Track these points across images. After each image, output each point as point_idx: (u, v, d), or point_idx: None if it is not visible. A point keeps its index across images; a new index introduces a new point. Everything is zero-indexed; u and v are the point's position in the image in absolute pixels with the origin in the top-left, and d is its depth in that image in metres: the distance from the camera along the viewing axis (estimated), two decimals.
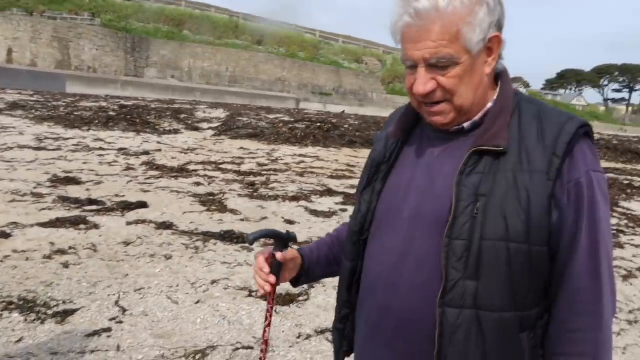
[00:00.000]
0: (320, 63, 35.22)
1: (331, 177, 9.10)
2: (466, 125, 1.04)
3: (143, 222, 5.27)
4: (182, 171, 8.32)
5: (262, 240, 1.26)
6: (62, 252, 4.24)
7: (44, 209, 5.41)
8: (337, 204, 6.96)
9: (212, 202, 6.36)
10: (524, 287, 0.95)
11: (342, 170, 9.87)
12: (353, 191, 7.11)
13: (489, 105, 1.04)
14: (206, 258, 4.42)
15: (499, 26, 1.00)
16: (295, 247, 1.33)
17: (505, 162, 0.96)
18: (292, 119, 16.24)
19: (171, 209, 5.92)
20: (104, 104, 16.36)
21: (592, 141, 1.02)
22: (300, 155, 11.30)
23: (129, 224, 5.17)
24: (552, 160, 0.94)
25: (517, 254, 0.93)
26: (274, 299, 1.24)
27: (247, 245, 4.83)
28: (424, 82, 0.98)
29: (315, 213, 6.32)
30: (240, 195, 6.92)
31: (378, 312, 1.07)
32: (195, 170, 8.50)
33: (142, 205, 5.91)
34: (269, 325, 1.28)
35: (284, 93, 30.63)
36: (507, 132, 0.98)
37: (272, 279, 1.18)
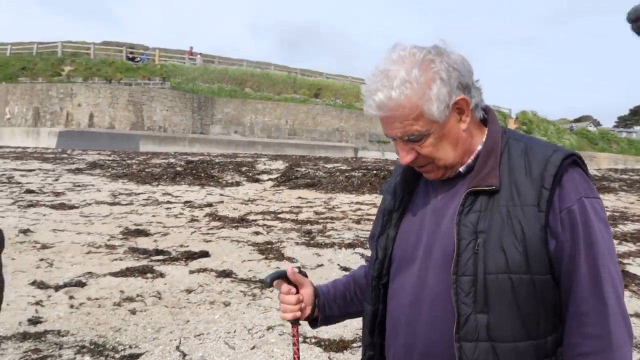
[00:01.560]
0: None
1: None
2: (462, 169, 1.12)
3: (204, 270, 5.51)
4: (242, 221, 8.64)
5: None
6: (130, 299, 4.52)
7: (115, 260, 5.80)
8: None
9: (270, 251, 6.54)
10: (533, 316, 1.00)
11: None
12: None
13: (479, 147, 1.11)
14: (263, 305, 4.54)
15: (463, 87, 1.06)
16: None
17: (499, 198, 1.03)
18: (349, 168, 16.46)
19: (231, 257, 6.15)
20: (172, 160, 17.41)
21: (583, 169, 1.06)
22: (357, 203, 11.39)
23: (191, 272, 5.43)
24: (541, 193, 1.00)
25: (520, 284, 0.98)
26: (297, 332, 1.32)
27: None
28: (405, 154, 1.10)
29: None
30: (297, 244, 7.07)
31: (403, 350, 1.13)
32: (255, 220, 8.79)
33: (204, 254, 6.18)
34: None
35: (342, 142, 31.20)
36: (498, 171, 1.05)
37: (295, 297, 1.28)
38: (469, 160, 1.12)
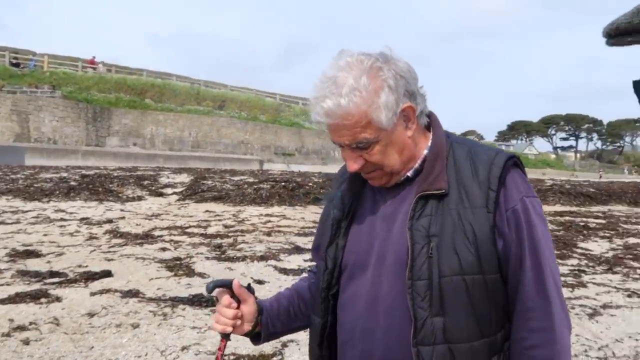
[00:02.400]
0: (281, 125, 35.98)
1: (298, 234, 9.12)
2: (409, 174, 1.13)
3: (108, 291, 5.12)
4: (147, 237, 8.18)
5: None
6: (22, 328, 4.05)
7: (1, 285, 5.19)
8: (305, 260, 6.95)
9: (179, 267, 6.25)
10: (486, 315, 1.03)
11: (309, 227, 9.91)
12: None
13: (425, 152, 1.14)
14: (175, 324, 4.31)
15: (410, 94, 1.07)
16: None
17: (449, 201, 1.06)
18: (256, 180, 16.33)
19: (137, 276, 5.78)
20: (65, 175, 16.08)
21: (522, 169, 1.12)
22: (267, 215, 11.31)
23: (92, 294, 5.01)
24: (488, 194, 1.04)
25: (474, 285, 1.02)
26: (225, 346, 1.23)
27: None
28: (352, 161, 1.09)
29: (284, 271, 6.29)
30: (207, 258, 6.83)
31: (360, 359, 1.10)
32: (161, 236, 8.37)
33: (107, 274, 5.74)
34: None
35: (247, 155, 30.92)
36: (445, 175, 1.08)
37: (234, 308, 1.20)
38: (416, 165, 1.13)
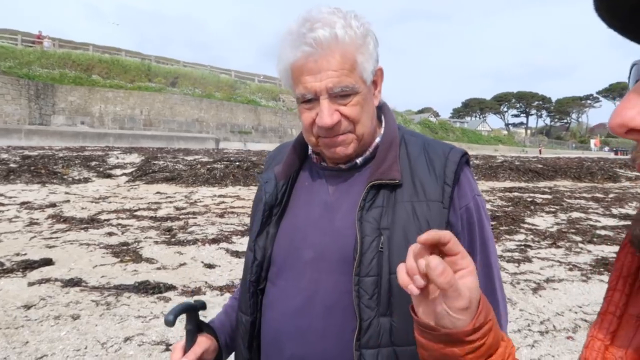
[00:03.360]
0: (237, 102, 35.32)
1: None
2: (359, 160, 1.04)
3: (47, 281, 4.86)
4: (92, 222, 7.85)
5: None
6: None
7: None
8: None
9: (126, 252, 6.03)
10: None
11: None
12: None
13: (378, 139, 1.06)
14: (119, 314, 4.14)
15: (378, 60, 1.02)
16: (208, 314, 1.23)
17: (402, 193, 0.98)
18: (210, 160, 15.99)
19: (80, 263, 5.53)
20: (5, 156, 15.20)
21: (470, 167, 1.07)
22: (220, 196, 11.10)
23: (30, 284, 4.75)
24: (444, 189, 0.97)
25: None
26: None
27: (163, 295, 4.60)
28: (330, 114, 0.95)
29: (236, 254, 6.18)
30: (156, 242, 6.63)
31: None
32: (108, 220, 8.05)
33: (47, 262, 5.47)
34: None
35: (202, 134, 30.24)
36: (398, 165, 1.00)
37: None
38: (367, 153, 1.05)
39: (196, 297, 4.03)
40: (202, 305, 1.10)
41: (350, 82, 0.94)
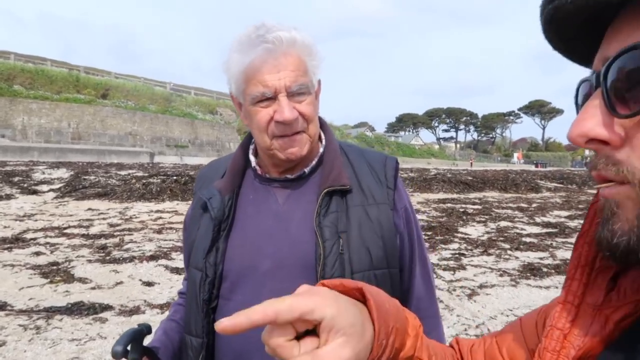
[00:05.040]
0: (173, 115, 34.43)
1: None
2: (306, 170, 1.09)
3: None
4: (17, 241, 7.35)
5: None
6: None
7: None
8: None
9: (56, 273, 5.69)
10: None
11: None
12: None
13: (321, 149, 1.13)
14: (50, 337, 3.90)
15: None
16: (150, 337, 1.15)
17: (352, 198, 1.05)
18: (146, 174, 15.45)
19: (4, 286, 5.16)
20: None
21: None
22: (157, 211, 10.75)
23: None
24: (388, 193, 1.08)
25: (382, 279, 1.02)
26: None
27: (99, 315, 4.39)
28: (290, 109, 0.98)
29: (176, 271, 6.01)
30: (90, 261, 6.31)
31: None
32: (34, 239, 7.57)
33: None
34: None
35: (136, 147, 29.18)
36: (345, 172, 1.07)
37: None
38: (313, 162, 1.11)
39: (139, 322, 3.89)
40: (149, 330, 1.07)
41: (305, 81, 1.00)
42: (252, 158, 1.15)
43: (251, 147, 1.18)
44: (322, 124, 1.16)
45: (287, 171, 1.09)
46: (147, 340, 1.07)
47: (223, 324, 0.48)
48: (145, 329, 1.04)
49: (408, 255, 1.08)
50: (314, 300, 0.51)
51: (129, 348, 1.00)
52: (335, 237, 0.99)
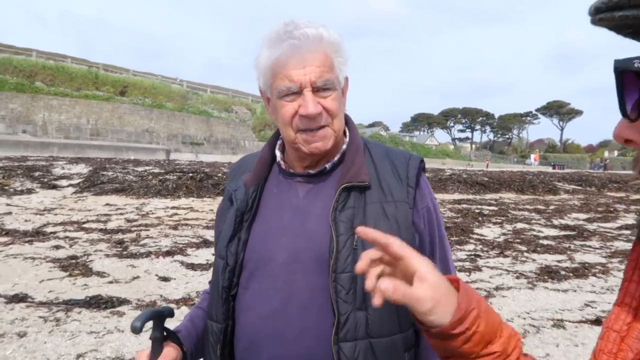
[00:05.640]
0: (189, 113, 34.74)
1: (207, 227, 8.86)
2: (328, 165, 1.11)
3: None
4: (37, 234, 7.49)
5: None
6: None
7: None
8: (214, 254, 6.76)
9: (75, 266, 5.79)
10: (404, 309, 1.02)
11: None
12: None
13: (344, 146, 1.14)
14: (69, 330, 3.97)
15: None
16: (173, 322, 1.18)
17: (370, 195, 1.06)
18: (162, 171, 15.61)
19: (25, 278, 5.26)
20: None
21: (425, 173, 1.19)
22: (173, 208, 10.86)
23: None
24: (408, 191, 1.08)
25: None
26: None
27: (116, 309, 4.45)
28: (314, 104, 1.01)
29: (191, 266, 6.07)
30: (107, 256, 6.40)
31: None
32: (54, 233, 7.70)
33: None
34: None
35: (153, 144, 29.49)
36: (366, 168, 1.08)
37: None
38: (335, 158, 1.12)
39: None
40: (170, 312, 1.10)
41: (330, 77, 1.03)
42: (277, 153, 1.19)
43: (278, 142, 1.21)
44: (348, 121, 1.17)
45: (310, 166, 1.13)
46: (173, 325, 1.10)
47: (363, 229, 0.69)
48: (166, 312, 1.08)
49: (428, 255, 1.06)
50: (418, 255, 0.66)
51: (151, 327, 1.03)
52: (349, 232, 1.01)
